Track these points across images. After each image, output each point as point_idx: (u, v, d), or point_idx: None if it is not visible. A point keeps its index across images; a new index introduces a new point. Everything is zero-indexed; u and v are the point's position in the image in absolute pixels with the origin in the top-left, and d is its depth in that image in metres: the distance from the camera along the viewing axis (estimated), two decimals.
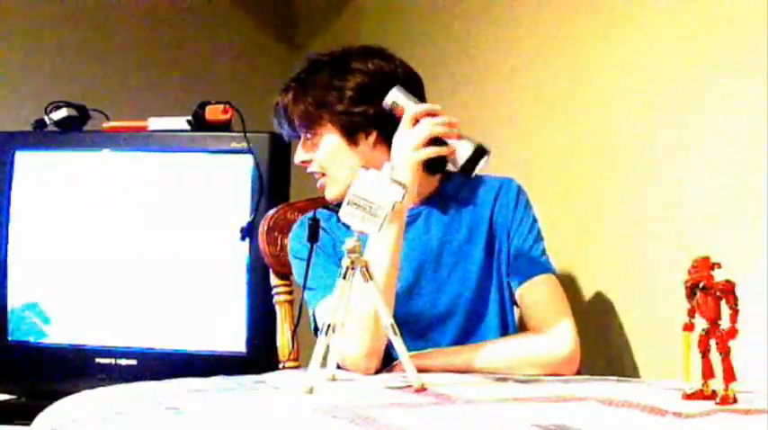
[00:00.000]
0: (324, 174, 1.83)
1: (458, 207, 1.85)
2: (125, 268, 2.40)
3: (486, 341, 1.77)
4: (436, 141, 1.68)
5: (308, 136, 1.83)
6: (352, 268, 1.42)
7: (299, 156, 1.85)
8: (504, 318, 1.82)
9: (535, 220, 1.86)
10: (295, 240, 1.89)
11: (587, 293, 2.12)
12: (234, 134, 2.35)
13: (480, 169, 1.67)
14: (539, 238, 1.84)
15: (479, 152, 1.66)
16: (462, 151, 1.66)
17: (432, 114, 1.68)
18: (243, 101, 2.41)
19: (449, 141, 1.68)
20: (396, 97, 1.71)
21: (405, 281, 1.77)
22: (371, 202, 1.42)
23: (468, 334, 1.80)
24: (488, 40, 2.49)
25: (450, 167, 1.79)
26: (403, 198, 1.45)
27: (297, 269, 1.87)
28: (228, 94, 2.46)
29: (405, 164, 1.63)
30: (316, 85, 1.80)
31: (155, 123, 2.44)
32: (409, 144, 1.65)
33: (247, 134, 2.32)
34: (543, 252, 1.84)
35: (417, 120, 1.68)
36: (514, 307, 1.83)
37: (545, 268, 1.82)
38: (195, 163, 2.40)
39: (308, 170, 1.85)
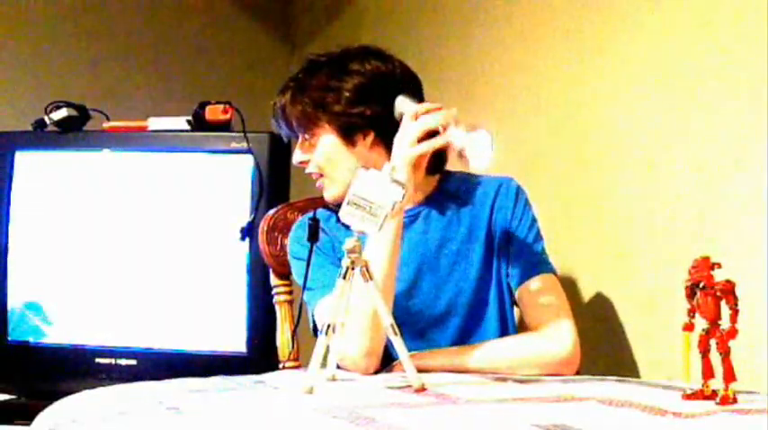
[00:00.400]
0: (321, 175, 1.83)
1: (457, 207, 1.85)
2: (125, 268, 2.40)
3: (485, 341, 1.76)
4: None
5: (306, 137, 1.83)
6: (352, 268, 1.42)
7: (296, 156, 1.85)
8: (504, 318, 1.82)
9: (534, 220, 1.85)
10: (294, 241, 1.89)
11: (587, 293, 2.12)
12: (234, 134, 2.35)
13: (480, 153, 1.58)
14: (538, 238, 1.84)
15: (470, 129, 1.61)
16: (456, 136, 1.61)
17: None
18: (243, 101, 2.42)
19: (444, 133, 1.64)
20: (402, 104, 1.70)
21: (404, 280, 1.77)
22: (371, 202, 1.42)
23: (467, 334, 1.80)
24: (487, 41, 2.49)
25: (452, 164, 1.77)
26: (403, 198, 1.45)
27: (296, 269, 1.87)
28: (228, 94, 2.47)
29: (402, 160, 1.62)
30: (313, 86, 1.80)
31: (155, 123, 2.44)
32: (406, 140, 1.64)
33: (247, 134, 2.32)
34: (543, 251, 1.83)
35: None
36: (514, 307, 1.83)
37: (545, 268, 1.81)
38: (195, 163, 2.40)
39: (306, 171, 1.85)
